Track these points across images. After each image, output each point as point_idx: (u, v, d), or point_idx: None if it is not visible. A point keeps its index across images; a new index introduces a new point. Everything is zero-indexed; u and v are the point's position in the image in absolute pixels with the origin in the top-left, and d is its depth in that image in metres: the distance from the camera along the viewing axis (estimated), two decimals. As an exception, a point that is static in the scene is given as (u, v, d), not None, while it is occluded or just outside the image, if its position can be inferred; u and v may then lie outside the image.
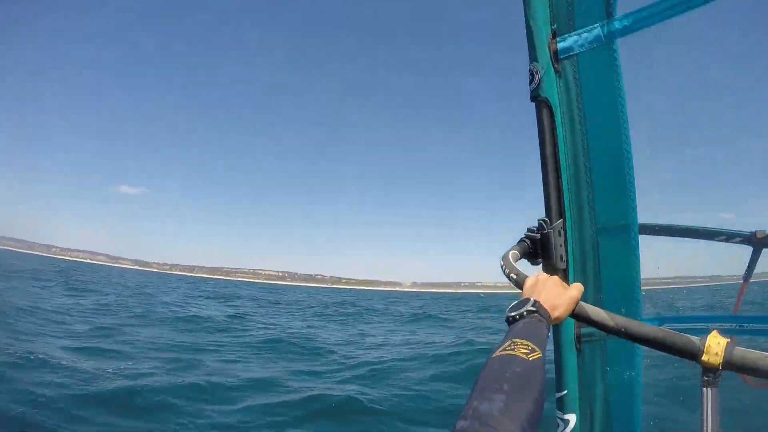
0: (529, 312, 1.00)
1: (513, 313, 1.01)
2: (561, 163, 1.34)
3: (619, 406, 1.47)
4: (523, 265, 1.31)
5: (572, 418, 1.51)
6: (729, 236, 1.97)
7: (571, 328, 1.44)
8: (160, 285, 44.23)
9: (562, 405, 1.53)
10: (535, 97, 1.37)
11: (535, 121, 1.38)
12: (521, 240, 1.38)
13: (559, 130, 1.35)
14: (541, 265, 1.38)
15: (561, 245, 1.35)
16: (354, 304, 31.68)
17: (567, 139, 1.34)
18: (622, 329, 1.00)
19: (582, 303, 1.08)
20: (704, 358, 0.87)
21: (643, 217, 1.35)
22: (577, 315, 1.08)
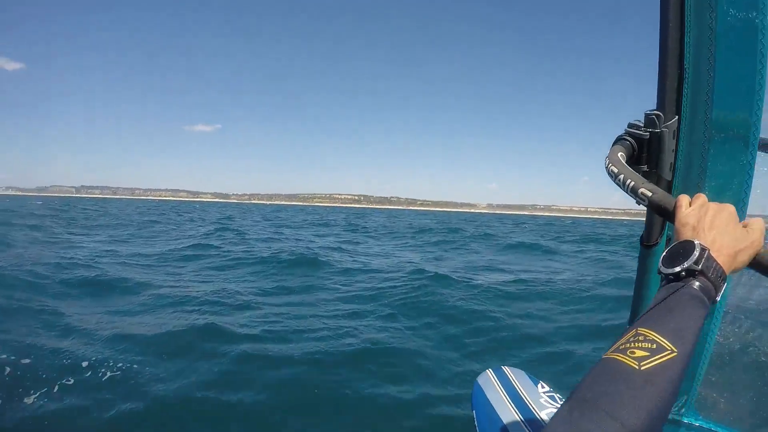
0: (688, 272, 0.69)
1: (667, 270, 0.71)
2: (686, 46, 1.02)
3: None
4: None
5: None
6: None
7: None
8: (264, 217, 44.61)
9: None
10: None
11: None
12: (621, 138, 1.06)
13: (688, 6, 1.02)
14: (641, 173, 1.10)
15: (673, 150, 1.05)
16: (452, 229, 28.53)
17: (692, 24, 1.01)
18: None
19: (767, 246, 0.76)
20: None
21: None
22: (759, 265, 0.75)
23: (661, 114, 1.03)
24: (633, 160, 1.06)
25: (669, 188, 1.10)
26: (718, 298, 0.70)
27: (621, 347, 0.60)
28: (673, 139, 1.05)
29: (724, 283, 0.70)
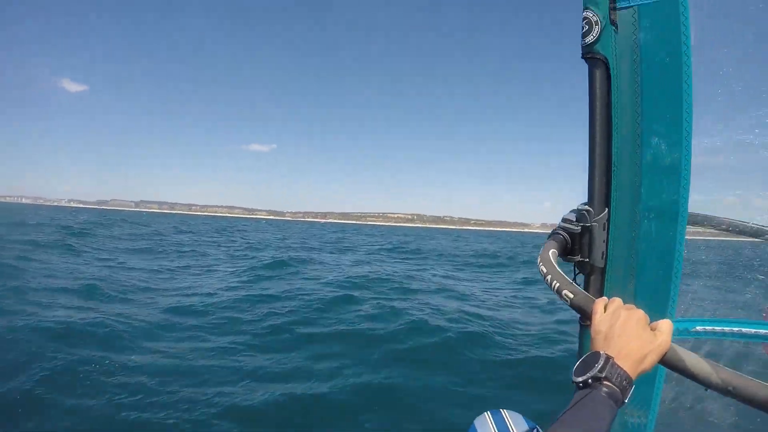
0: (595, 379, 0.75)
1: (578, 379, 0.77)
2: (613, 139, 1.11)
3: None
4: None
5: None
6: None
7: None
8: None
9: None
10: (588, 53, 1.11)
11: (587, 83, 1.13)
12: (555, 233, 1.16)
13: (614, 95, 1.11)
14: (573, 264, 1.17)
15: (604, 241, 1.13)
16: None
17: (619, 114, 1.08)
18: (730, 388, 0.77)
19: (675, 346, 0.82)
20: None
21: (694, 206, 1.10)
22: (667, 363, 0.83)
23: (590, 209, 1.12)
24: (567, 252, 1.15)
25: (601, 273, 1.17)
26: (626, 400, 0.77)
27: None
28: (604, 230, 1.13)
29: (630, 387, 0.77)
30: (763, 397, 0.75)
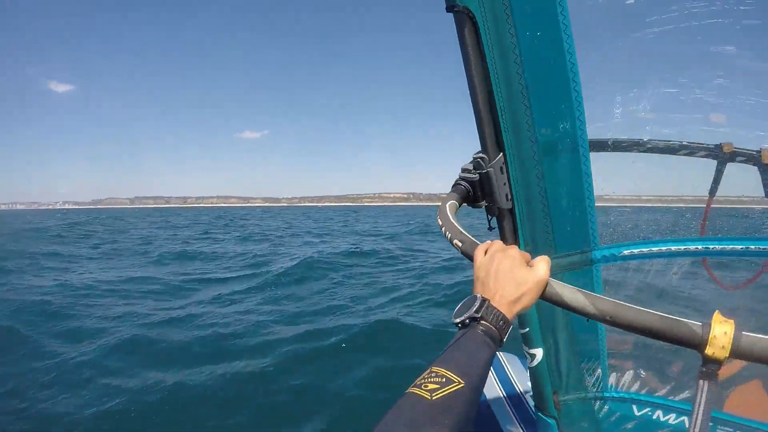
0: (472, 319, 0.81)
1: (457, 320, 0.83)
2: (493, 88, 1.10)
3: (583, 331, 1.38)
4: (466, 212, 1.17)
5: (538, 352, 1.46)
6: (692, 150, 1.70)
7: None
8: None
9: (527, 340, 1.47)
10: (452, 6, 1.06)
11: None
12: (456, 184, 1.19)
13: (486, 49, 1.07)
14: (484, 209, 1.21)
15: (504, 183, 1.16)
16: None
17: (496, 60, 1.07)
18: (607, 317, 0.82)
19: (552, 281, 0.88)
20: (708, 350, 0.74)
21: (594, 132, 1.11)
22: (547, 298, 0.88)
23: (485, 156, 1.14)
24: (472, 200, 1.19)
25: (511, 213, 1.21)
26: (504, 339, 0.83)
27: (418, 383, 0.72)
28: (503, 173, 1.16)
29: (507, 326, 0.83)
30: (638, 323, 0.79)
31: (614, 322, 0.82)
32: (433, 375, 0.71)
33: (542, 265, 0.88)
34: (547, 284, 0.87)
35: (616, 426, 1.55)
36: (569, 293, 0.86)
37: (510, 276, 0.86)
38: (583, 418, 1.58)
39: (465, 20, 1.06)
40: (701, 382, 0.76)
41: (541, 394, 1.59)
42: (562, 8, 1.01)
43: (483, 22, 1.05)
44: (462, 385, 0.70)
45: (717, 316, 0.75)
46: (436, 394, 0.68)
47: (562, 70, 1.05)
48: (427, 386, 0.69)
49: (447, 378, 0.70)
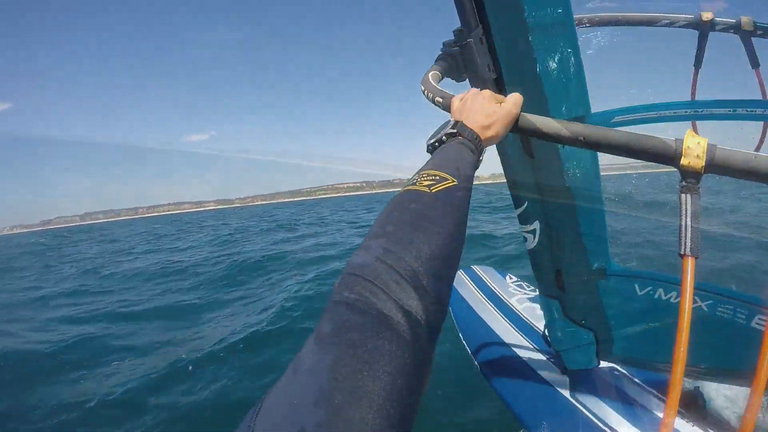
0: (448, 135, 0.88)
1: (431, 140, 0.90)
2: None
3: (584, 200, 1.37)
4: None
5: (536, 225, 1.47)
6: (672, 21, 1.76)
7: (516, 139, 1.33)
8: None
9: (524, 218, 1.48)
10: None
11: None
12: (439, 58, 1.22)
13: None
14: (468, 82, 1.24)
15: (485, 53, 1.18)
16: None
17: None
18: (581, 137, 0.86)
19: (525, 114, 0.95)
20: (684, 161, 0.77)
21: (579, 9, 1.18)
22: (521, 129, 0.95)
23: (464, 29, 1.19)
24: (455, 73, 1.23)
25: (499, 85, 1.25)
26: (481, 156, 0.90)
27: (410, 183, 0.74)
28: (482, 44, 1.21)
29: (481, 144, 0.90)
30: (612, 142, 0.84)
31: (588, 143, 0.87)
32: (424, 176, 0.74)
33: (513, 98, 0.97)
34: (518, 117, 0.95)
35: (619, 305, 1.57)
36: (543, 121, 0.93)
37: (480, 108, 0.93)
38: (586, 298, 1.59)
39: None
40: (683, 196, 0.80)
41: (541, 276, 1.61)
42: None
43: None
44: (455, 182, 0.73)
45: (689, 132, 0.79)
46: (435, 188, 0.71)
47: None
48: (423, 183, 0.72)
49: (440, 176, 0.74)
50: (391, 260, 0.55)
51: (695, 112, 1.22)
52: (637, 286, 1.47)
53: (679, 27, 1.77)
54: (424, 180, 0.73)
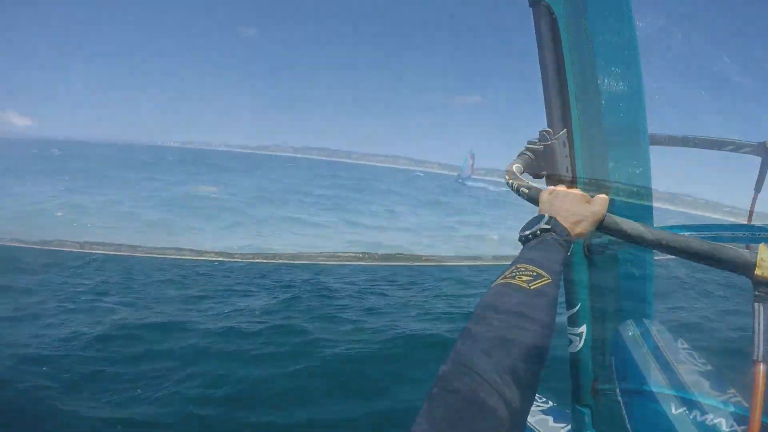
0: (543, 230, 0.92)
1: (525, 232, 0.94)
2: (567, 72, 1.22)
3: (632, 313, 1.43)
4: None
5: (583, 329, 1.50)
6: (737, 146, 1.84)
7: (580, 242, 1.40)
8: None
9: (573, 321, 1.51)
10: (536, 1, 1.19)
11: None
12: (522, 153, 1.29)
13: (564, 37, 1.20)
14: (545, 179, 1.31)
15: (566, 156, 1.27)
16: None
17: (572, 48, 1.20)
18: (663, 242, 0.89)
19: (611, 215, 0.98)
20: (758, 272, 0.79)
21: (653, 128, 1.25)
22: (606, 227, 0.98)
23: (550, 130, 1.24)
24: (534, 168, 1.28)
25: (572, 187, 1.31)
26: (571, 248, 0.95)
27: (509, 276, 0.79)
28: (565, 147, 1.26)
29: (571, 241, 0.94)
30: (691, 249, 0.87)
31: (668, 247, 0.89)
32: (522, 270, 0.80)
33: (599, 199, 1.00)
34: (604, 217, 0.98)
35: (650, 422, 1.44)
36: (627, 223, 0.96)
37: (571, 207, 0.97)
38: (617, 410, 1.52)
39: (544, 13, 1.20)
40: (756, 305, 0.80)
41: (578, 382, 1.62)
42: (629, 8, 1.12)
43: (562, 16, 1.19)
44: (550, 280, 0.79)
45: (763, 246, 0.82)
46: (533, 285, 0.76)
47: (631, 66, 1.17)
48: (522, 278, 0.77)
49: (536, 273, 0.79)
50: (496, 356, 0.63)
51: (753, 235, 1.28)
52: (672, 405, 1.37)
53: (744, 153, 1.84)
54: (523, 275, 0.78)
